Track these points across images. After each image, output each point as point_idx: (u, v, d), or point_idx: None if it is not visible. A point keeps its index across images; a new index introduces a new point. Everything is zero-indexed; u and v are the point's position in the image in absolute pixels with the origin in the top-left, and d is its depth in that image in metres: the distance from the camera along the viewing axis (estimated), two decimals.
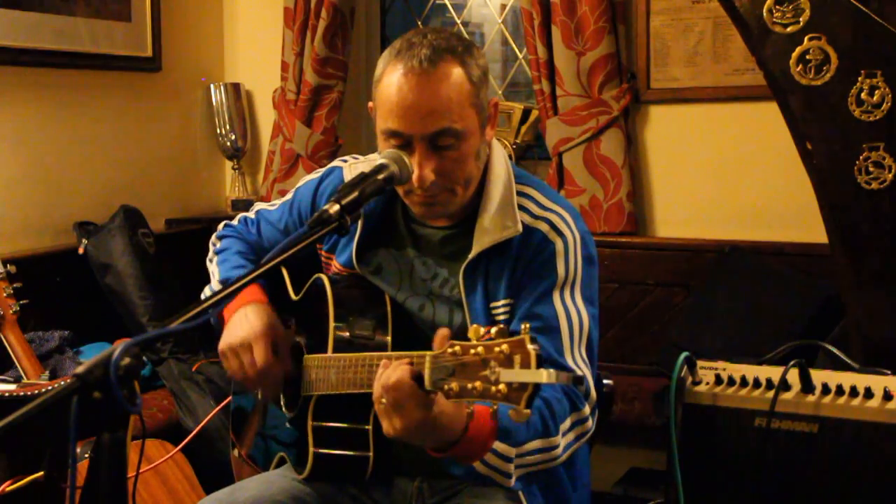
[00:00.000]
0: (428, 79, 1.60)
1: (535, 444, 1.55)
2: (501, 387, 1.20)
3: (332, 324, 1.69)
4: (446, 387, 1.27)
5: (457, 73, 1.63)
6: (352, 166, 1.86)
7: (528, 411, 1.19)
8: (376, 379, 1.41)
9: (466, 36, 1.71)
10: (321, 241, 1.86)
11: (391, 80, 1.62)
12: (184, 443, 2.07)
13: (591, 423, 1.67)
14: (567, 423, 1.61)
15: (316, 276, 1.81)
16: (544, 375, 1.16)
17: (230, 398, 2.03)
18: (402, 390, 1.35)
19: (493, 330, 1.23)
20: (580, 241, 1.73)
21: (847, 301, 2.32)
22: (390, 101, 1.61)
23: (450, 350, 1.28)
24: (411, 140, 1.61)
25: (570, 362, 1.66)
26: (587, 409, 1.66)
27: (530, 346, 1.20)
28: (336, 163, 1.92)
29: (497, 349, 1.21)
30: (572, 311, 1.69)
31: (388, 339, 1.70)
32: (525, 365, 1.19)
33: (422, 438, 1.41)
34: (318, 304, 1.75)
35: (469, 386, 1.23)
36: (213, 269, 1.95)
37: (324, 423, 1.68)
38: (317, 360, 1.70)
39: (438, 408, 1.37)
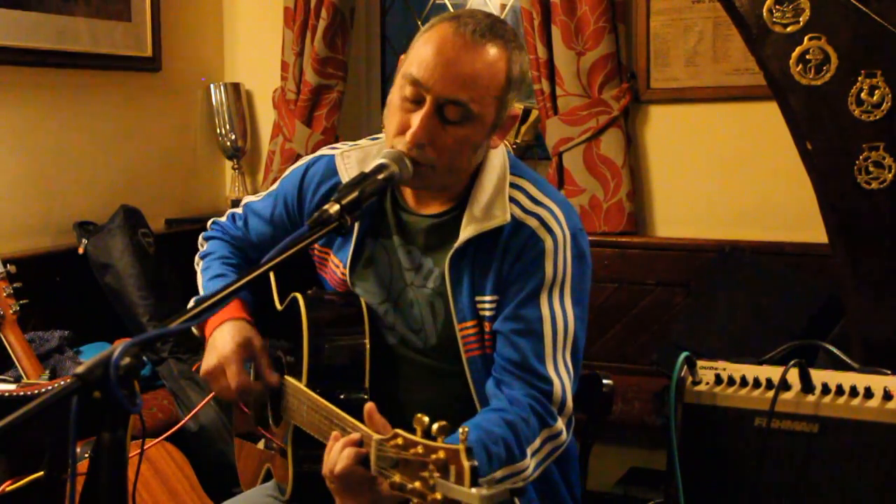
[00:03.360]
0: (472, 48, 1.59)
1: (499, 473, 1.52)
2: (438, 495, 1.16)
3: (306, 354, 1.67)
4: (389, 480, 1.26)
5: (500, 59, 1.61)
6: (344, 154, 1.79)
7: None
8: (325, 454, 1.41)
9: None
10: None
11: (437, 34, 1.61)
12: (170, 432, 2.12)
13: (565, 436, 1.64)
14: (537, 442, 1.59)
15: (293, 295, 1.77)
16: (476, 498, 1.12)
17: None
18: (347, 478, 1.36)
19: (435, 426, 1.19)
20: (570, 239, 1.68)
21: (847, 301, 2.31)
22: (426, 50, 1.60)
23: (391, 442, 1.26)
24: (424, 97, 1.58)
25: (549, 369, 1.62)
26: (560, 424, 1.62)
27: (465, 462, 1.14)
28: (323, 151, 1.86)
29: (434, 455, 1.17)
30: (558, 313, 1.65)
31: (366, 383, 1.68)
32: (459, 479, 1.14)
33: None
34: (296, 327, 1.72)
35: (409, 486, 1.21)
36: (198, 275, 1.93)
37: (303, 450, 1.67)
38: (293, 388, 1.68)
39: (386, 485, 1.34)
